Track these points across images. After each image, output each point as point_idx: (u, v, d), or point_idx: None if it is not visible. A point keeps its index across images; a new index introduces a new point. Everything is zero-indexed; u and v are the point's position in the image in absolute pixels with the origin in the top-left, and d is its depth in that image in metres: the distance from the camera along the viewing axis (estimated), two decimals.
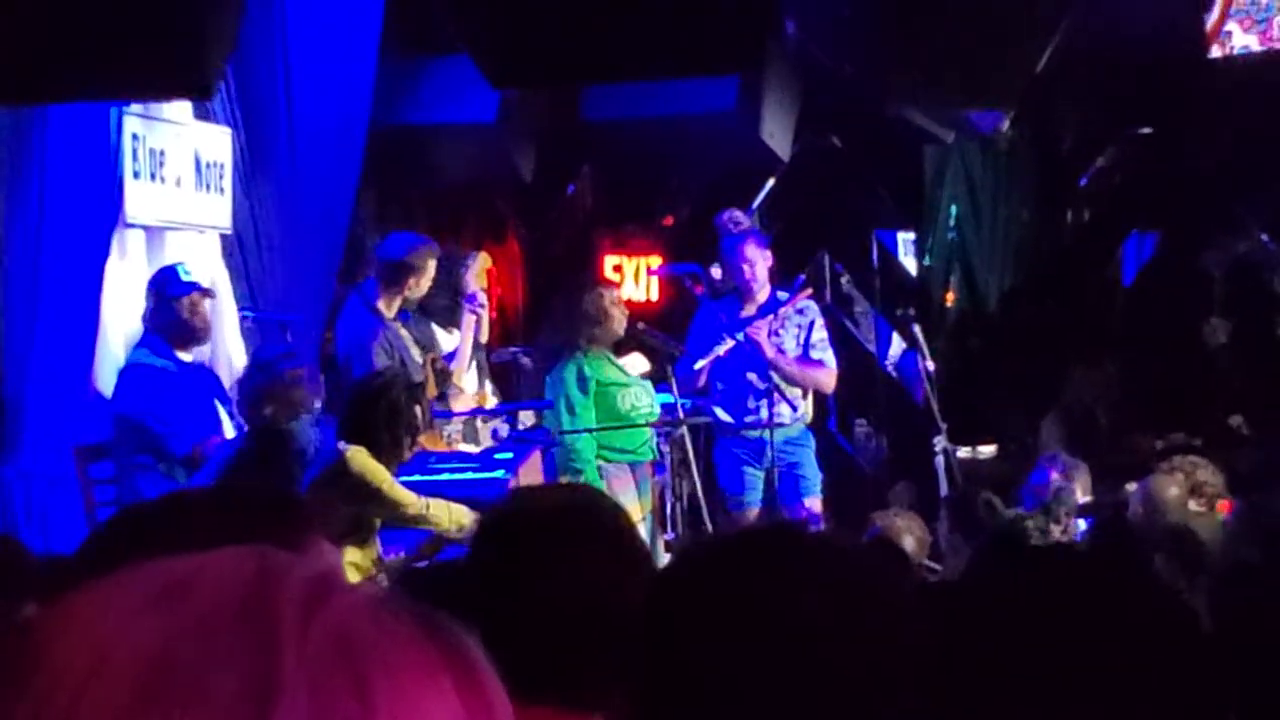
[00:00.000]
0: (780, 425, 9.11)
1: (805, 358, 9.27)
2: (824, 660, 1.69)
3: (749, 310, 9.25)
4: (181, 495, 2.07)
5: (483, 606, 2.65)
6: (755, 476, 9.19)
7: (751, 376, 9.12)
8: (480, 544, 2.73)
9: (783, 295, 9.33)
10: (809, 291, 9.51)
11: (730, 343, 9.06)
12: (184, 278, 7.83)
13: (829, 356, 9.38)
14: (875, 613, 1.73)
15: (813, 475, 9.30)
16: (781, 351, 9.17)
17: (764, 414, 9.04)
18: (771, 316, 9.18)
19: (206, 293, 7.96)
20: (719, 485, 9.39)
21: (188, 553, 1.76)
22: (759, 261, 9.24)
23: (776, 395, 9.03)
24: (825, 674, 1.69)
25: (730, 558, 1.80)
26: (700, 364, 9.04)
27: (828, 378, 9.41)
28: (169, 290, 7.79)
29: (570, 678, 2.54)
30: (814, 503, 9.22)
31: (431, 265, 8.78)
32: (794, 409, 9.15)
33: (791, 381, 9.21)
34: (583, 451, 8.52)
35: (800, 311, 9.32)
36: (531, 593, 2.58)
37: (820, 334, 9.36)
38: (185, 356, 7.82)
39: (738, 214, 9.53)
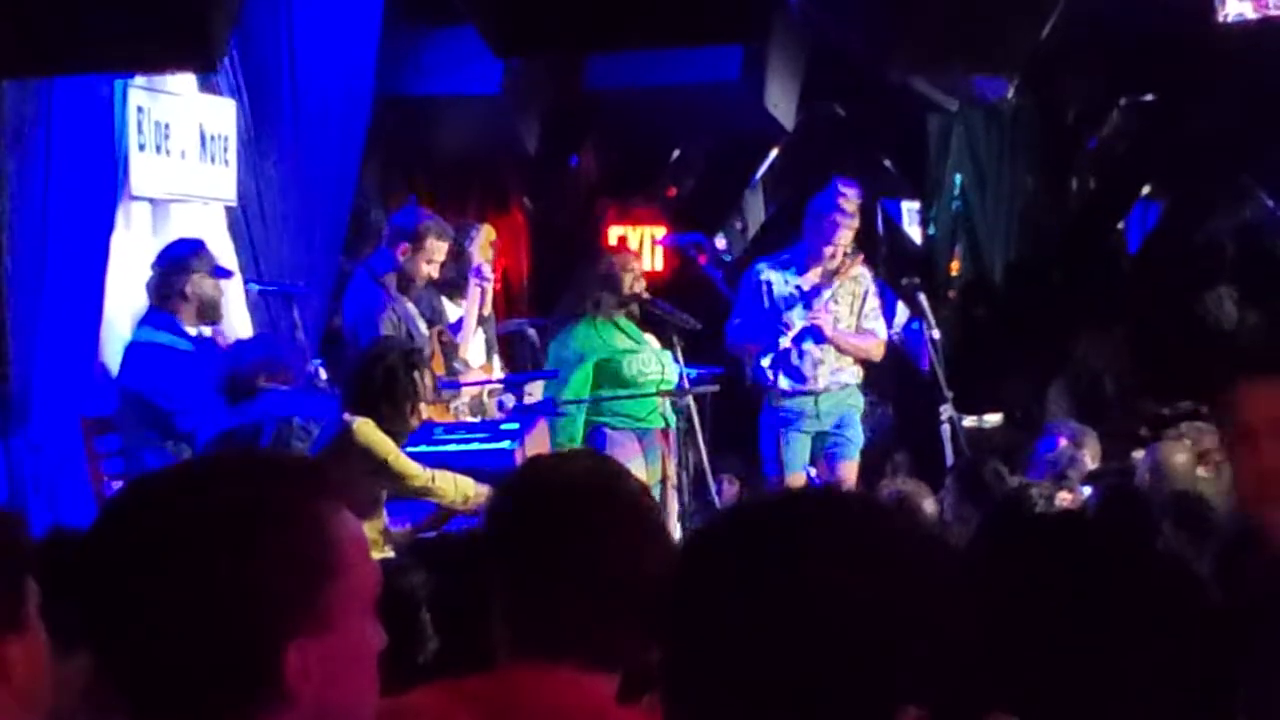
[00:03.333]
0: (827, 389, 9.18)
1: (858, 327, 9.32)
2: (844, 625, 1.69)
3: (812, 277, 9.21)
4: (197, 463, 2.08)
5: (501, 575, 2.68)
6: (801, 441, 9.19)
7: (809, 346, 9.15)
8: (496, 514, 2.76)
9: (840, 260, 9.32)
10: (861, 258, 9.46)
11: (803, 323, 9.10)
12: (215, 260, 7.91)
13: (880, 326, 9.43)
14: (902, 579, 1.73)
15: (855, 438, 9.35)
16: (835, 327, 9.22)
17: (822, 380, 9.11)
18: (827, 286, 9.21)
19: (229, 274, 8.09)
20: (760, 452, 9.38)
21: (207, 520, 1.77)
22: (843, 249, 9.24)
23: (802, 359, 9.07)
24: (846, 640, 1.69)
25: (756, 524, 1.80)
26: (786, 340, 9.05)
27: (878, 348, 9.46)
28: (212, 271, 7.86)
29: (589, 641, 2.57)
30: (850, 467, 9.24)
31: (432, 244, 8.64)
32: (804, 381, 9.16)
33: (845, 353, 9.26)
34: (567, 424, 8.54)
35: (855, 279, 9.33)
36: (547, 560, 2.61)
37: (873, 303, 9.38)
38: (192, 331, 7.85)
39: (854, 192, 9.36)
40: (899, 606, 1.70)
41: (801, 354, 9.15)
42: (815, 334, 9.14)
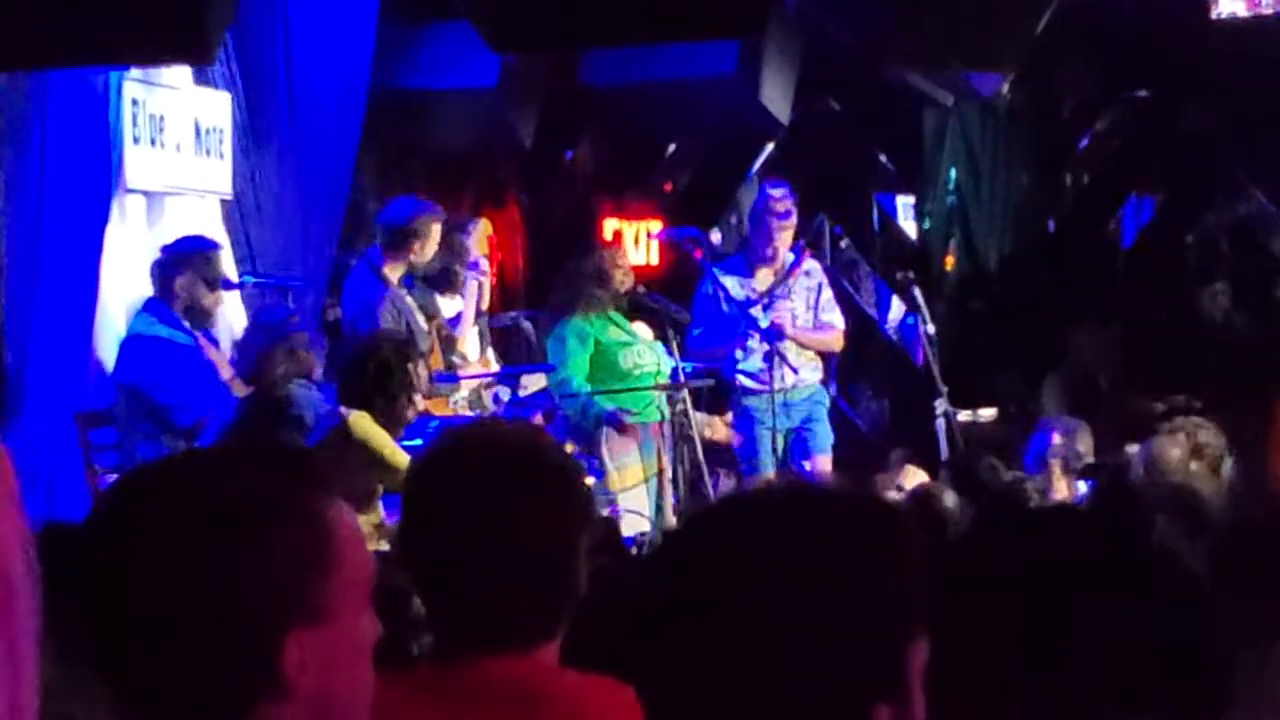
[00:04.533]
0: (795, 386, 9.19)
1: (817, 322, 9.35)
2: (815, 615, 1.70)
3: (762, 279, 9.28)
4: (193, 456, 2.08)
5: (415, 552, 2.59)
6: (773, 438, 9.23)
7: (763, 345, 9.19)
8: (410, 487, 2.65)
9: (788, 257, 9.39)
10: (809, 252, 9.56)
11: (766, 322, 9.15)
12: (222, 271, 7.95)
13: (836, 317, 9.53)
14: (864, 566, 1.73)
15: (824, 433, 9.40)
16: (793, 323, 9.25)
17: (788, 379, 9.10)
18: (782, 285, 9.26)
19: (234, 287, 8.24)
20: (734, 450, 9.43)
21: (204, 513, 1.77)
22: (785, 247, 9.32)
23: (777, 359, 9.07)
24: (818, 631, 1.70)
25: (729, 519, 1.80)
26: (755, 341, 9.10)
27: (837, 339, 9.57)
28: (225, 283, 7.96)
29: (509, 618, 2.49)
30: (824, 460, 9.28)
31: (436, 230, 8.78)
32: (795, 371, 9.18)
33: (806, 348, 9.29)
34: (588, 408, 8.58)
35: (808, 274, 9.39)
36: (462, 534, 2.50)
37: (827, 294, 9.49)
38: (187, 324, 7.85)
39: (782, 192, 9.41)
40: (867, 600, 1.70)
41: (767, 354, 9.16)
42: (776, 332, 9.17)
